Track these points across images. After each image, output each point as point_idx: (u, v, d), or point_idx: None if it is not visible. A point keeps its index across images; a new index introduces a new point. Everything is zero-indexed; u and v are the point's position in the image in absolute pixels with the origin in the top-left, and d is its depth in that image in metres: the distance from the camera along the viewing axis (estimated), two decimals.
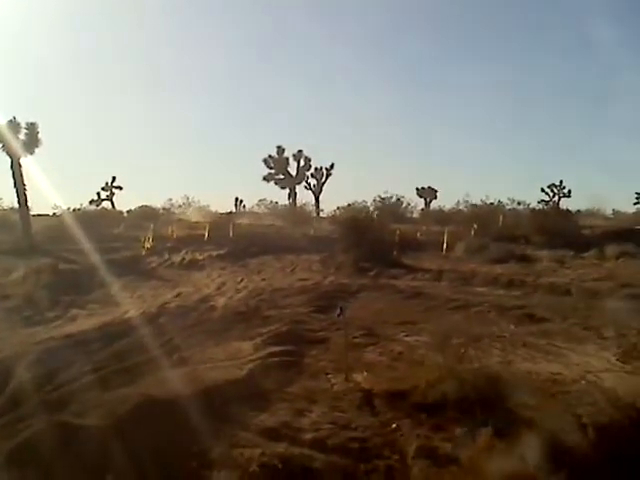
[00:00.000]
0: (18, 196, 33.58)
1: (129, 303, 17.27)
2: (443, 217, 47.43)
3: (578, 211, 46.35)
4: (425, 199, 59.07)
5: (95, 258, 23.84)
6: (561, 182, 54.63)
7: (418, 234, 35.91)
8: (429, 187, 58.55)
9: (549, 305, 16.17)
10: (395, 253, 27.59)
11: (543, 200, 53.09)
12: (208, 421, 7.95)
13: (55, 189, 35.85)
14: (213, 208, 53.84)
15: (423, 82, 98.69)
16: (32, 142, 33.45)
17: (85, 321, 14.93)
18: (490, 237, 31.69)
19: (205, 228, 35.30)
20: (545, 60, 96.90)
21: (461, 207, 51.66)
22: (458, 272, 22.53)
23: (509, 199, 49.77)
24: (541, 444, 7.24)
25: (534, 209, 46.63)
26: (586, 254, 28.24)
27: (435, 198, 59.21)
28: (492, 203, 47.84)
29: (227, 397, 8.86)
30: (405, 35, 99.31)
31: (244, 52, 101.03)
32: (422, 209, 58.16)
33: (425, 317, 14.85)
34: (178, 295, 18.49)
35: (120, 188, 56.68)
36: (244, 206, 58.18)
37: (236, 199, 57.90)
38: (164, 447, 7.24)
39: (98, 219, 41.86)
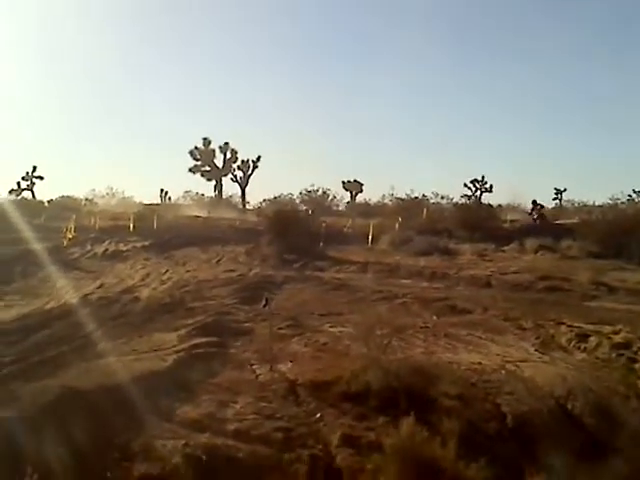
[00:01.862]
0: None
1: (50, 294, 16.95)
2: (369, 210, 47.78)
3: (499, 206, 47.22)
4: (351, 192, 59.28)
5: (15, 249, 23.30)
6: (483, 177, 55.46)
7: (345, 227, 36.03)
8: (355, 180, 58.76)
9: (470, 297, 16.54)
10: (321, 245, 27.68)
11: (466, 195, 53.93)
12: (131, 413, 7.88)
13: None
14: (138, 199, 53.18)
15: (346, 76, 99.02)
16: None
17: (4, 312, 14.58)
18: (414, 230, 32.05)
19: (129, 219, 34.77)
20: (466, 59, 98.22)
21: (386, 200, 52.25)
22: (383, 264, 22.76)
23: (433, 193, 50.63)
24: (462, 432, 7.40)
25: (457, 203, 47.40)
26: (507, 247, 28.84)
27: (361, 191, 59.47)
28: (417, 197, 48.44)
29: (151, 388, 8.77)
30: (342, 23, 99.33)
31: (170, 41, 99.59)
32: (348, 202, 58.48)
33: (350, 308, 14.97)
34: (101, 286, 18.20)
35: (41, 178, 55.20)
36: (169, 198, 57.42)
37: (161, 190, 57.03)
38: (85, 439, 7.12)
39: (18, 209, 40.80)
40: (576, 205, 57.90)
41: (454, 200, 49.96)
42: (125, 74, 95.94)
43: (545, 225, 34.56)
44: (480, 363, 10.38)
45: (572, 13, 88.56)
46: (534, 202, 38.15)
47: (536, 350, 11.59)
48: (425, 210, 40.57)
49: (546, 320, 13.65)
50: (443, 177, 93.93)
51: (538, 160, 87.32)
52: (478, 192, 55.26)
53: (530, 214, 37.70)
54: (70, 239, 29.69)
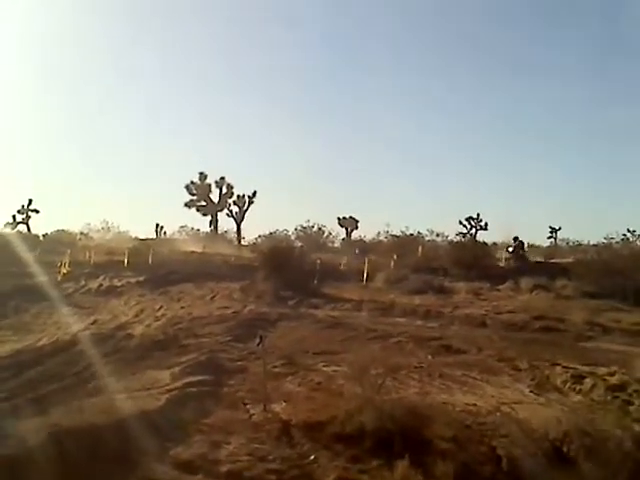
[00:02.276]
0: None
1: (43, 330, 16.88)
2: (364, 247, 47.80)
3: (494, 244, 47.29)
4: (346, 229, 59.42)
5: (8, 283, 23.24)
6: (478, 215, 55.67)
7: (341, 264, 36.01)
8: (350, 217, 58.93)
9: (465, 336, 16.46)
10: (316, 282, 27.65)
11: (461, 232, 54.06)
12: (122, 452, 7.82)
13: None
14: (133, 234, 53.23)
15: (341, 109, 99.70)
16: None
17: None
18: (409, 268, 32.06)
19: (124, 254, 34.75)
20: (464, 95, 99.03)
21: (382, 237, 52.28)
22: (378, 302, 22.68)
23: (428, 230, 50.65)
24: (457, 475, 7.34)
25: (452, 241, 47.49)
26: (502, 286, 28.78)
27: (356, 228, 59.62)
28: (412, 234, 48.53)
29: (143, 428, 8.69)
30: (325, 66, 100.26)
31: (167, 75, 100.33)
32: (343, 239, 58.58)
33: (344, 347, 14.89)
34: (94, 322, 18.13)
35: (37, 211, 55.28)
36: (165, 232, 57.59)
37: (157, 225, 57.24)
38: (78, 478, 7.07)
39: (12, 243, 40.75)
40: (571, 244, 58.16)
41: (449, 238, 50.06)
42: (121, 109, 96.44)
43: (524, 265, 34.40)
44: (475, 404, 10.31)
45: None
46: (515, 239, 37.86)
47: (531, 391, 11.52)
48: (420, 248, 40.63)
49: (541, 361, 13.59)
50: (438, 214, 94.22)
51: (533, 198, 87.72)
52: (473, 230, 55.43)
53: (512, 252, 37.32)
54: (65, 274, 29.65)
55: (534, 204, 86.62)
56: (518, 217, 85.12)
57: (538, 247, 57.64)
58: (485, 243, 43.08)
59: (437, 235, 50.37)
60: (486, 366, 13.38)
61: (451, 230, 54.09)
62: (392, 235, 49.71)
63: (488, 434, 8.88)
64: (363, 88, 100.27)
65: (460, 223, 55.34)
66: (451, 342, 15.61)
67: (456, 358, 14.16)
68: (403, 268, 32.34)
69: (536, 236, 66.60)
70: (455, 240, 48.52)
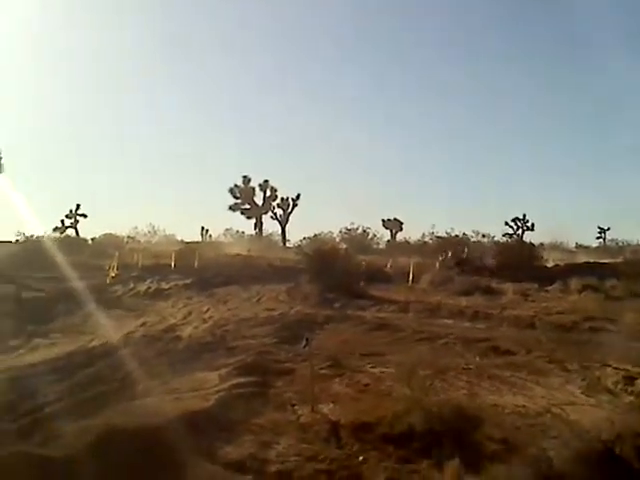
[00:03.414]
0: None
1: (93, 332, 17.06)
2: (409, 249, 47.67)
3: (541, 244, 46.78)
4: (391, 231, 59.34)
5: (59, 286, 23.60)
6: (524, 216, 55.21)
7: (388, 265, 35.92)
8: (395, 219, 58.88)
9: (514, 338, 16.28)
10: (361, 284, 27.58)
11: (507, 233, 53.62)
12: (173, 452, 7.86)
13: (19, 216, 35.60)
14: (179, 237, 53.68)
15: (385, 112, 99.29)
16: None
17: (48, 350, 14.70)
18: (455, 269, 31.89)
19: (171, 257, 35.08)
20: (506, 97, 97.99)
21: (427, 239, 52.05)
22: (424, 304, 22.57)
23: (474, 232, 50.27)
24: (507, 477, 7.26)
25: (498, 242, 47.11)
26: (550, 287, 28.47)
27: (401, 230, 59.56)
28: (457, 235, 48.27)
29: (192, 428, 8.75)
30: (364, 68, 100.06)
31: (211, 79, 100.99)
32: (388, 241, 58.44)
33: (391, 349, 14.84)
34: (143, 324, 18.30)
35: (84, 216, 56.11)
36: (210, 235, 57.88)
37: (202, 228, 57.59)
38: (127, 479, 7.14)
39: (62, 247, 41.39)
40: (620, 244, 57.27)
41: (495, 238, 49.65)
42: (166, 113, 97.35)
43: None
44: (524, 406, 10.21)
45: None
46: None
47: (582, 393, 11.35)
48: (466, 249, 40.35)
49: (591, 362, 13.39)
50: (484, 215, 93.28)
51: (582, 198, 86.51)
52: (520, 230, 54.92)
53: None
54: (113, 277, 30.03)
55: (582, 204, 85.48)
56: (566, 217, 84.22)
57: (587, 247, 56.94)
58: (532, 244, 42.64)
59: (483, 236, 50.04)
60: (535, 367, 13.21)
61: (497, 231, 53.48)
62: (437, 236, 49.54)
63: (538, 436, 8.78)
64: (407, 88, 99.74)
65: (506, 224, 54.95)
66: (499, 343, 15.43)
67: (505, 359, 14.01)
68: (449, 269, 32.16)
69: (585, 236, 65.78)
70: (501, 241, 48.19)
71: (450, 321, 19.55)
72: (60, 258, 31.60)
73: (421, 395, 9.70)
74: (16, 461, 7.32)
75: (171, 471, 7.41)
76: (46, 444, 8.05)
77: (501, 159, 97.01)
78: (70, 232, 55.56)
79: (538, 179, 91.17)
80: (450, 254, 36.72)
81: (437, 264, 33.99)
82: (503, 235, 52.40)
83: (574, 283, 28.08)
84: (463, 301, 23.68)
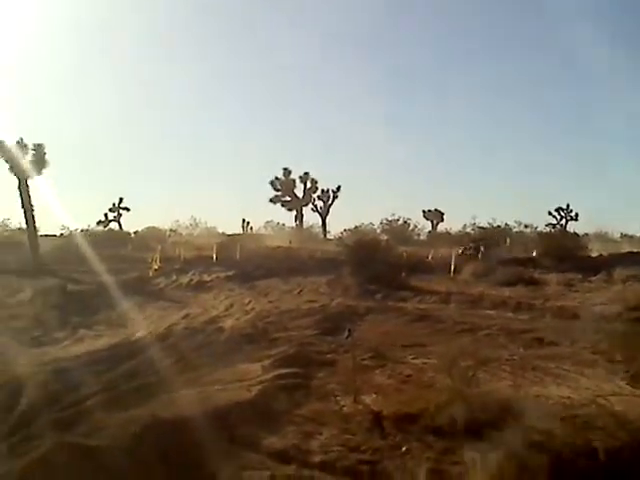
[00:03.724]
0: (26, 217, 33.78)
1: (137, 324, 17.29)
2: (450, 240, 47.39)
3: (585, 234, 46.18)
4: (432, 221, 59.07)
5: (103, 279, 23.92)
6: (568, 205, 54.55)
7: (429, 256, 35.75)
8: (436, 209, 58.59)
9: (558, 328, 16.10)
10: (403, 275, 27.48)
11: (550, 223, 53.03)
12: (217, 442, 7.94)
13: (63, 210, 36.12)
14: (220, 229, 53.97)
15: (427, 104, 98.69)
16: (39, 163, 33.67)
17: (93, 342, 14.95)
18: (497, 260, 31.64)
19: (212, 249, 35.31)
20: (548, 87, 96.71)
21: (468, 230, 51.72)
22: (466, 295, 22.46)
23: (516, 222, 49.82)
24: (552, 468, 7.21)
25: (541, 232, 46.65)
26: (594, 277, 28.05)
27: (442, 220, 59.24)
28: (499, 226, 47.87)
29: (236, 418, 8.85)
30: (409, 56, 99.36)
31: (250, 75, 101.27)
32: (429, 231, 58.19)
33: (433, 340, 14.80)
34: (186, 316, 18.49)
35: (127, 209, 56.78)
36: (251, 228, 58.12)
37: (243, 220, 57.85)
38: (173, 468, 7.23)
39: (106, 240, 41.94)
40: None
41: (538, 229, 49.13)
42: (205, 106, 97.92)
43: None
44: (569, 397, 10.10)
45: None
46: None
47: (627, 384, 11.21)
48: (508, 239, 40.01)
49: (637, 352, 13.21)
50: (526, 205, 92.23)
51: (626, 188, 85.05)
52: (563, 220, 54.30)
53: None
54: (156, 269, 30.34)
55: (626, 194, 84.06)
56: (610, 207, 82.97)
57: (632, 237, 56.09)
58: (576, 234, 42.13)
59: (525, 226, 49.56)
60: (580, 358, 13.07)
61: (540, 221, 52.92)
62: (479, 227, 49.22)
63: (583, 427, 8.69)
64: (443, 82, 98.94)
65: (549, 214, 54.35)
66: (543, 334, 15.31)
67: (548, 350, 13.88)
68: (491, 260, 31.92)
69: (629, 226, 64.85)
70: (544, 231, 47.70)
71: (492, 312, 19.40)
72: (103, 251, 32.06)
73: (463, 386, 9.66)
74: (62, 452, 7.45)
75: (215, 461, 7.49)
76: (91, 435, 8.18)
77: (546, 148, 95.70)
78: (113, 226, 56.28)
79: (583, 168, 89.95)
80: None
81: (479, 255, 33.73)
82: (546, 225, 51.88)
83: (618, 273, 27.63)
84: (506, 292, 23.48)
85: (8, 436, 8.31)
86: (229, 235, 50.57)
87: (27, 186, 33.30)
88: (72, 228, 45.55)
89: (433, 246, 40.84)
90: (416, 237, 54.99)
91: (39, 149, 33.86)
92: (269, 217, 62.69)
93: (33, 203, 33.69)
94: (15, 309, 19.17)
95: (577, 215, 54.38)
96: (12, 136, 33.84)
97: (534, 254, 35.15)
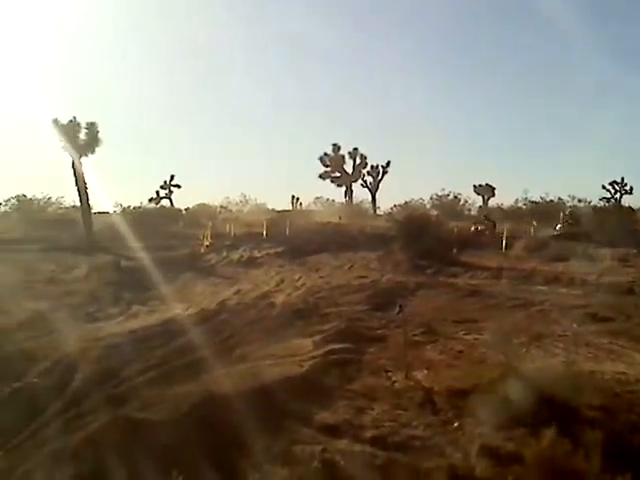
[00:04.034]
0: (79, 195, 34.25)
1: (189, 300, 17.49)
2: (502, 214, 46.82)
3: None
4: (483, 196, 58.27)
5: (155, 255, 24.20)
6: (622, 179, 53.35)
7: (477, 230, 35.40)
8: (487, 184, 57.64)
9: (612, 304, 15.84)
10: (453, 251, 27.29)
11: (604, 197, 52.02)
12: (269, 417, 8.04)
13: (115, 187, 36.58)
14: (270, 206, 54.09)
15: (473, 76, 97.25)
16: (92, 141, 34.04)
17: (146, 317, 15.16)
18: (549, 235, 31.23)
19: (262, 226, 35.46)
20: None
21: (520, 204, 51.02)
22: (518, 270, 22.25)
23: (569, 196, 48.97)
24: (606, 444, 7.13)
25: (595, 206, 45.88)
26: None
27: (493, 195, 58.25)
28: (552, 200, 47.14)
29: (288, 393, 8.93)
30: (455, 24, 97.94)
31: (297, 53, 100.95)
32: (480, 206, 57.53)
33: (485, 315, 14.72)
34: (237, 292, 18.65)
35: (178, 186, 57.04)
36: (301, 204, 58.06)
37: (292, 197, 57.83)
38: (226, 442, 7.32)
39: (157, 217, 42.35)
40: None
41: (592, 203, 48.27)
42: (255, 82, 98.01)
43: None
44: (624, 373, 9.97)
45: None
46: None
47: None
48: (561, 214, 39.43)
49: None
50: (580, 179, 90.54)
51: None
52: (618, 195, 53.22)
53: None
54: (207, 246, 30.60)
55: None
56: None
57: None
58: (631, 208, 41.32)
59: (579, 201, 48.67)
60: (635, 334, 12.88)
61: (594, 195, 51.86)
62: (531, 201, 48.50)
63: (638, 402, 8.58)
64: (497, 57, 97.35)
65: (603, 188, 53.27)
66: (597, 310, 15.09)
67: (603, 326, 13.68)
68: (543, 235, 31.52)
69: None
70: (598, 205, 46.89)
71: (545, 287, 19.16)
72: (155, 228, 32.43)
73: (516, 362, 9.60)
74: (116, 427, 7.60)
75: (268, 435, 7.58)
76: (146, 409, 8.33)
77: (599, 120, 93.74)
78: (165, 203, 56.75)
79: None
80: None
81: (531, 230, 33.33)
82: (600, 199, 50.92)
83: None
84: (559, 267, 23.17)
85: (63, 412, 8.49)
86: (279, 211, 50.64)
87: (80, 164, 33.76)
88: (124, 205, 46.07)
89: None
90: (467, 212, 54.41)
91: (92, 128, 34.24)
92: (318, 193, 62.61)
93: (86, 181, 34.17)
94: (71, 285, 19.53)
95: (632, 189, 53.19)
96: (66, 115, 34.31)
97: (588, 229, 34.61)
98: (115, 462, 6.76)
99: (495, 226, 34.86)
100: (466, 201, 55.71)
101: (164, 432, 7.42)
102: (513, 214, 45.76)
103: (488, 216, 37.46)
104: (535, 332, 12.52)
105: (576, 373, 9.72)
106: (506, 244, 29.38)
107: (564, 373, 9.50)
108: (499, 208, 53.32)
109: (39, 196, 45.04)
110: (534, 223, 34.44)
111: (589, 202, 48.35)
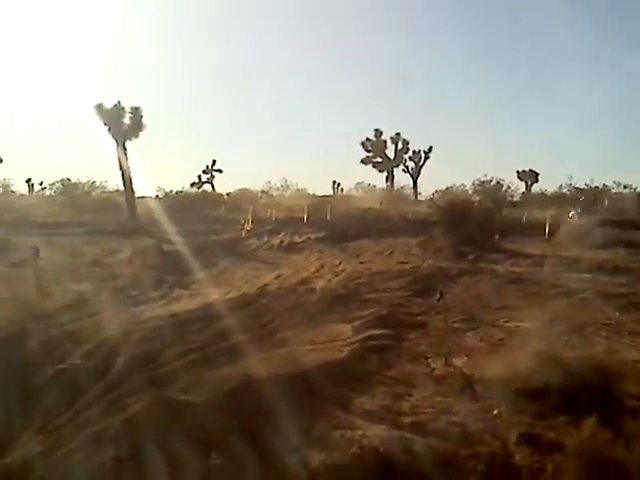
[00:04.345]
0: (123, 179, 34.74)
1: (230, 284, 17.60)
2: (545, 201, 46.31)
3: None
4: (526, 182, 57.67)
5: (197, 240, 24.39)
6: None
7: (523, 218, 35.06)
8: (530, 170, 57.11)
9: None
10: (496, 238, 27.07)
11: None
12: (309, 402, 8.08)
13: (158, 171, 36.95)
14: (311, 191, 54.16)
15: (516, 61, 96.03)
16: (136, 126, 34.46)
17: (188, 301, 15.26)
18: (594, 222, 30.80)
19: (303, 211, 35.52)
20: None
21: (564, 190, 50.40)
22: (561, 257, 21.93)
23: (615, 182, 48.24)
24: None
25: None
26: None
27: (536, 181, 57.69)
28: (597, 187, 46.50)
29: (327, 378, 8.96)
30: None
31: (339, 39, 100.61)
32: (523, 193, 56.94)
33: (526, 303, 14.56)
34: (278, 277, 18.72)
35: (220, 171, 57.52)
36: (342, 189, 58.15)
37: (334, 182, 57.92)
38: (265, 426, 7.37)
39: (199, 202, 42.64)
40: None
41: (638, 190, 47.47)
42: (296, 67, 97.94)
43: None
44: None
45: None
46: None
47: None
48: (606, 200, 38.88)
49: None
50: (625, 165, 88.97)
51: None
52: None
53: None
54: (248, 231, 30.76)
55: None
56: None
57: None
58: None
59: (624, 187, 47.93)
60: None
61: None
62: (575, 188, 47.87)
63: None
64: (536, 43, 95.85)
65: None
66: None
67: None
68: (588, 222, 31.09)
69: None
70: None
71: (588, 275, 18.87)
72: (197, 212, 32.65)
73: (558, 350, 9.52)
74: (159, 407, 7.70)
75: (307, 420, 7.61)
76: (187, 391, 8.41)
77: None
78: (207, 187, 57.16)
79: None
80: None
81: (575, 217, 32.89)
82: None
83: None
84: (603, 255, 22.80)
85: (104, 394, 8.60)
86: (320, 197, 50.74)
87: (124, 149, 34.15)
88: (167, 190, 46.47)
89: (527, 207, 40.02)
90: (509, 198, 53.91)
91: (136, 112, 34.67)
92: (360, 179, 62.45)
93: (130, 165, 34.57)
94: (114, 268, 19.76)
95: None
96: (110, 99, 34.71)
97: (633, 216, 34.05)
98: (155, 444, 6.84)
99: None
100: (509, 187, 55.07)
101: (204, 414, 7.48)
102: (557, 200, 45.19)
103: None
104: (577, 320, 12.38)
105: (618, 362, 9.62)
106: (549, 231, 29.05)
107: (606, 362, 9.40)
108: (542, 194, 52.75)
109: (83, 180, 45.66)
110: (575, 210, 33.96)
111: (635, 189, 47.59)
